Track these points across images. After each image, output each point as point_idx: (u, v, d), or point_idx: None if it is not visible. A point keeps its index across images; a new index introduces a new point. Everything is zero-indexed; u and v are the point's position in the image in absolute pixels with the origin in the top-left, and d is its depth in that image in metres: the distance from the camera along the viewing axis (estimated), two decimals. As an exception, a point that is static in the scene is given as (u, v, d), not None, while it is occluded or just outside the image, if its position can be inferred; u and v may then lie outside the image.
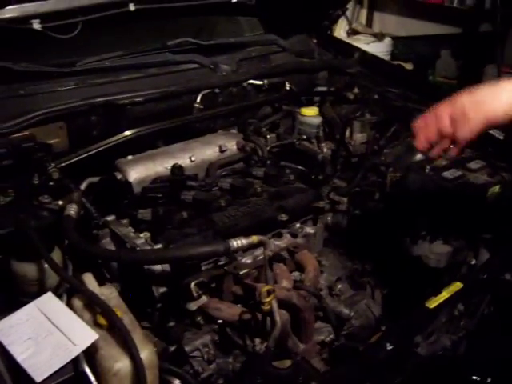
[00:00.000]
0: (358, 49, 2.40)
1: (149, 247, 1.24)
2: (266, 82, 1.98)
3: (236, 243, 1.17)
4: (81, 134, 1.65)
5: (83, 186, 1.51)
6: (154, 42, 1.90)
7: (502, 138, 1.93)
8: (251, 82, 1.95)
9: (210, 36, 2.04)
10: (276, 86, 2.05)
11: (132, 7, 1.65)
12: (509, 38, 3.77)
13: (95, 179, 1.55)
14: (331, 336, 1.53)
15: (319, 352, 1.49)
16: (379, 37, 3.83)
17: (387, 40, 3.92)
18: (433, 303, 1.28)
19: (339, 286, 1.64)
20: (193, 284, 1.18)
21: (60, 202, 1.35)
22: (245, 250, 1.24)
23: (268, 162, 1.67)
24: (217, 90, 1.86)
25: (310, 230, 1.60)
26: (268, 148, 1.74)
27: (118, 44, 1.82)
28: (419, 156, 1.97)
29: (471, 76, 3.64)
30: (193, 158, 1.57)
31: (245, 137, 1.74)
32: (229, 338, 1.35)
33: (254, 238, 1.21)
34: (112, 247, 1.32)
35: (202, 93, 1.81)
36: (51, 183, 1.41)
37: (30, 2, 1.47)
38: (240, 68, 1.97)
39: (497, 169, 1.80)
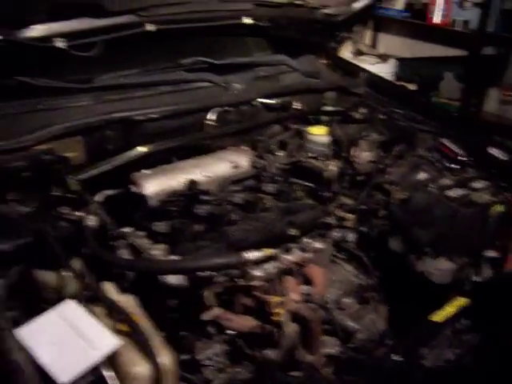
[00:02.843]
0: (365, 70, 2.47)
1: (163, 258, 1.29)
2: (276, 101, 2.04)
3: (250, 256, 1.22)
4: (97, 148, 1.71)
5: (99, 198, 1.57)
6: (167, 60, 1.96)
7: (505, 158, 1.99)
8: (262, 100, 2.01)
9: (221, 55, 2.10)
10: (285, 105, 2.11)
11: (149, 27, 1.71)
12: (511, 61, 3.84)
13: (110, 192, 1.60)
14: (337, 348, 1.57)
15: (325, 364, 1.53)
16: (383, 58, 3.91)
17: (391, 61, 3.99)
18: (438, 317, 1.32)
19: (346, 301, 1.68)
20: (207, 294, 1.22)
21: (78, 213, 1.40)
22: (257, 262, 1.28)
23: (278, 178, 1.72)
24: (228, 108, 1.92)
25: (318, 245, 1.64)
26: (277, 165, 1.79)
27: (134, 62, 1.89)
28: (423, 175, 2.03)
29: (474, 98, 3.71)
30: (206, 174, 1.62)
31: (255, 154, 1.79)
32: (239, 348, 1.40)
33: (267, 252, 1.26)
34: (127, 255, 1.37)
35: (214, 110, 1.87)
36: (70, 195, 1.46)
37: (53, 22, 1.53)
38: (251, 87, 2.04)
39: (500, 189, 1.86)
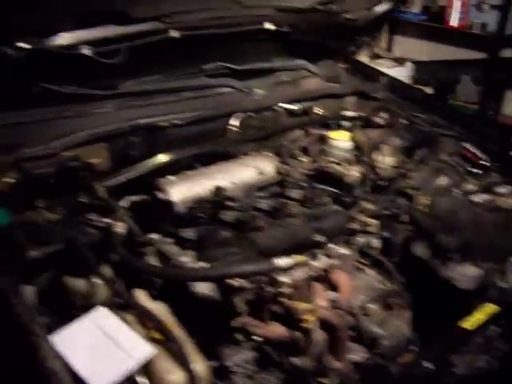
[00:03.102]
0: (384, 74, 2.46)
1: (194, 265, 1.29)
2: (298, 106, 2.04)
3: (280, 262, 1.22)
4: (121, 155, 1.72)
5: (124, 204, 1.57)
6: (189, 66, 1.96)
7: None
8: (283, 106, 2.01)
9: (242, 61, 2.10)
10: (306, 110, 2.11)
11: (173, 34, 1.71)
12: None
13: (135, 198, 1.60)
14: (363, 355, 1.56)
15: (352, 371, 1.53)
16: (400, 61, 3.90)
17: (408, 64, 3.99)
18: (467, 324, 1.31)
19: (371, 307, 1.67)
20: (237, 301, 1.22)
21: (107, 220, 1.41)
22: (287, 269, 1.28)
23: (303, 184, 1.72)
24: (251, 114, 1.93)
25: (343, 250, 1.64)
26: (302, 171, 1.79)
27: (157, 68, 1.89)
28: (445, 179, 2.03)
29: (492, 101, 3.69)
30: (232, 180, 1.63)
31: (280, 159, 1.79)
32: (268, 355, 1.39)
33: (297, 258, 1.26)
34: (155, 262, 1.37)
35: (237, 116, 1.87)
36: (97, 202, 1.47)
37: (80, 30, 1.54)
38: (272, 92, 2.04)
39: (525, 193, 1.84)
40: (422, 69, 4.06)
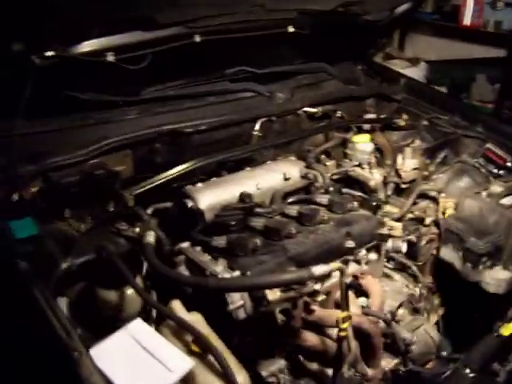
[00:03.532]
0: (403, 75, 2.44)
1: (228, 274, 1.27)
2: (320, 109, 2.02)
3: (318, 270, 1.20)
4: (145, 162, 1.71)
5: (149, 212, 1.56)
6: (212, 71, 1.95)
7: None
8: (306, 109, 2.00)
9: (262, 64, 2.09)
10: (328, 113, 2.09)
11: (197, 39, 1.70)
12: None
13: (160, 205, 1.59)
14: (395, 361, 1.55)
15: (386, 378, 1.51)
16: (413, 61, 3.88)
17: (422, 64, 3.96)
18: (507, 331, 1.29)
19: (401, 312, 1.66)
20: (278, 311, 1.20)
21: (137, 229, 1.39)
22: (325, 277, 1.26)
23: (330, 189, 1.70)
24: (274, 118, 1.91)
25: (373, 256, 1.62)
26: (328, 175, 1.77)
27: (180, 73, 1.87)
28: (467, 180, 2.00)
29: (509, 100, 3.66)
30: (259, 186, 1.61)
31: (306, 164, 1.77)
32: (300, 363, 1.38)
33: (334, 265, 1.24)
34: (188, 274, 1.35)
35: (261, 121, 1.86)
36: (126, 211, 1.45)
37: (104, 36, 1.52)
38: (294, 96, 2.02)
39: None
40: (436, 68, 4.02)
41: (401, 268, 1.84)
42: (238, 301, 1.24)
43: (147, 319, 1.20)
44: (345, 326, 1.26)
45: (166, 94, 1.81)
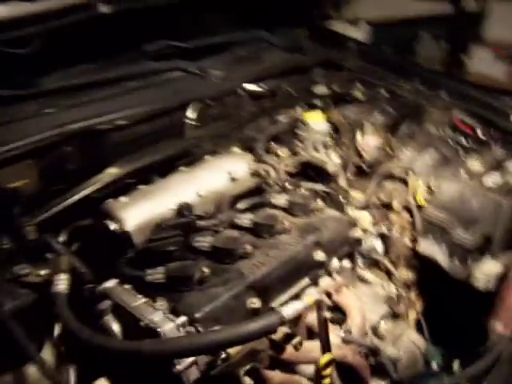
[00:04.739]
0: (353, 39, 2.15)
1: (171, 323, 0.95)
2: (263, 86, 1.70)
3: (290, 311, 0.90)
4: (54, 171, 1.33)
5: (63, 239, 1.20)
6: (128, 49, 1.58)
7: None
8: (247, 87, 1.67)
9: (191, 37, 1.74)
10: (273, 89, 1.77)
11: (103, 8, 1.33)
12: (493, 16, 3.58)
13: (81, 223, 1.24)
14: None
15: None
16: (353, 22, 3.59)
17: (363, 26, 3.67)
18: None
19: (383, 325, 1.40)
20: (242, 373, 0.90)
21: (43, 272, 1.04)
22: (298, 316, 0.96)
23: (287, 185, 1.39)
24: (210, 101, 1.57)
25: (346, 264, 1.34)
26: (283, 168, 1.46)
27: (87, 55, 1.50)
28: (435, 155, 1.75)
29: (457, 59, 3.46)
30: (200, 192, 1.28)
31: (254, 157, 1.45)
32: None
33: (309, 301, 0.95)
34: (115, 327, 1.01)
35: (194, 106, 1.51)
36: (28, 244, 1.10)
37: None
38: (232, 72, 1.69)
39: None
40: (379, 29, 3.76)
41: (372, 264, 1.59)
42: (188, 358, 0.92)
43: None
44: (328, 372, 0.99)
45: (70, 82, 1.43)
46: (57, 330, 0.94)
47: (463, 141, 1.81)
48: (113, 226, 1.17)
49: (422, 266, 1.57)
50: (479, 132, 1.80)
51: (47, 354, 0.90)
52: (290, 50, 2.01)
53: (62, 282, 0.99)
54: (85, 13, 1.35)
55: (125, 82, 1.52)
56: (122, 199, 1.22)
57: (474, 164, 1.62)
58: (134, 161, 1.31)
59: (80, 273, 1.09)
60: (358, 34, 3.58)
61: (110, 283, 1.06)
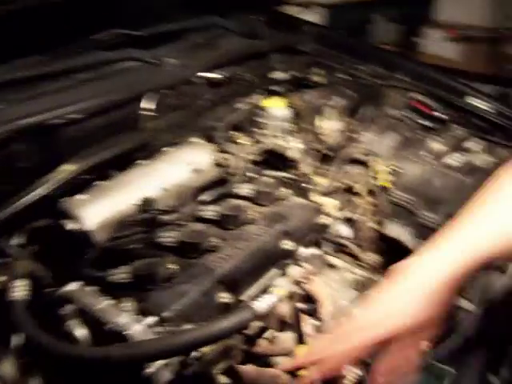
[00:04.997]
0: (309, 22, 2.12)
1: (139, 325, 0.90)
2: (220, 74, 1.65)
3: (263, 305, 0.87)
4: (4, 170, 1.26)
5: (19, 242, 1.14)
6: (75, 38, 1.51)
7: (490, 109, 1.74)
8: (204, 75, 1.61)
9: (142, 24, 1.67)
10: (230, 76, 1.73)
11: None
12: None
13: (39, 223, 1.17)
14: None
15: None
16: (307, 5, 3.56)
17: (317, 9, 3.65)
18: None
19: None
20: (217, 372, 0.87)
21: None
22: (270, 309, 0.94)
23: (251, 174, 1.36)
24: (166, 91, 1.51)
25: (314, 251, 1.32)
26: (246, 156, 1.42)
27: (30, 45, 1.42)
28: (396, 137, 1.75)
29: (410, 40, 3.48)
30: (161, 185, 1.23)
31: (215, 146, 1.41)
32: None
33: (281, 292, 0.92)
34: (80, 332, 0.96)
35: (149, 96, 1.46)
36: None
37: None
38: (187, 60, 1.63)
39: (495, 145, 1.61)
40: (332, 12, 3.75)
41: (339, 249, 1.57)
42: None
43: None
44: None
45: (17, 75, 1.35)
46: (15, 340, 0.88)
47: (422, 121, 1.82)
48: (70, 226, 1.11)
49: (389, 248, 1.57)
50: (438, 112, 1.81)
51: (7, 368, 0.85)
52: (247, 35, 1.96)
53: (19, 289, 0.93)
54: (31, 0, 1.27)
55: (76, 74, 1.43)
56: (80, 197, 1.16)
57: (436, 144, 1.62)
58: (91, 156, 1.24)
59: (39, 277, 1.04)
60: (313, 17, 3.57)
61: (72, 286, 1.01)
